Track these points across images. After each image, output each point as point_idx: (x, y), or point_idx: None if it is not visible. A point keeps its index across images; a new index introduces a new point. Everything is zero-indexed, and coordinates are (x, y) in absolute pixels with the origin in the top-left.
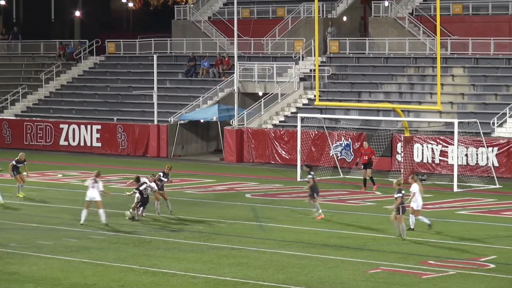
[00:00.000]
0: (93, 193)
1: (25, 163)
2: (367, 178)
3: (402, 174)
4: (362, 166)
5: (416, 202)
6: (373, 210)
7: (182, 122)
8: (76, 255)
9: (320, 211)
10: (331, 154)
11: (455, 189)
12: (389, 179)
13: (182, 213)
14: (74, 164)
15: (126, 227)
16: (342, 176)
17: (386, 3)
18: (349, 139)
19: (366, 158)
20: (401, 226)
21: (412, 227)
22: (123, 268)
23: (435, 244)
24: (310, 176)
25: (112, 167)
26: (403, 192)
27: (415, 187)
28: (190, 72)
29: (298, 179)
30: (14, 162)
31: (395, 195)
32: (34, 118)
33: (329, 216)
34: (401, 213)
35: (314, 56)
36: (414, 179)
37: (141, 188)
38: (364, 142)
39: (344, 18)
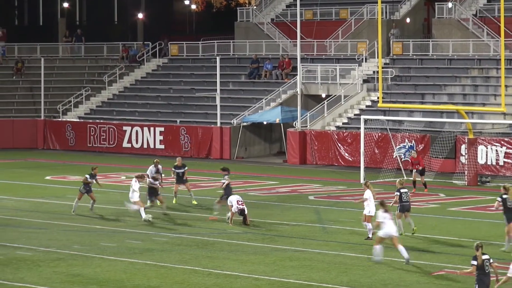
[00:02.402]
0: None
1: (184, 169)
2: (422, 182)
3: (466, 176)
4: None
5: (368, 208)
6: (436, 212)
7: (245, 124)
8: (139, 257)
9: (217, 213)
10: (394, 156)
11: None
12: (453, 181)
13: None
14: (137, 166)
15: (189, 229)
16: (405, 178)
17: (450, 5)
18: (413, 141)
19: (418, 167)
20: (399, 222)
21: (370, 235)
22: (186, 270)
23: (498, 246)
24: (225, 178)
25: None
26: (402, 190)
27: (367, 194)
28: (253, 74)
29: (362, 181)
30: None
31: (395, 193)
32: (97, 121)
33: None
34: (401, 211)
35: (377, 57)
36: (367, 185)
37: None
38: (412, 151)
39: (408, 20)
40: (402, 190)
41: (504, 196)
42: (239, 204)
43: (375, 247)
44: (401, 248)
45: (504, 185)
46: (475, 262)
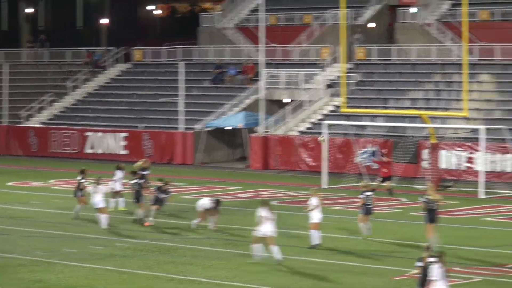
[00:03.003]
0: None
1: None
2: (388, 188)
3: (428, 181)
4: (382, 179)
5: (315, 216)
6: (398, 216)
7: (208, 129)
8: (101, 263)
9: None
10: (356, 161)
11: (481, 195)
12: (415, 186)
13: (208, 220)
14: (100, 172)
15: (151, 235)
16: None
17: (413, 10)
18: (376, 146)
19: (386, 171)
20: (366, 226)
21: (318, 242)
22: (149, 276)
23: (460, 250)
24: (134, 182)
25: None
26: (366, 194)
27: (314, 201)
28: (217, 79)
29: (324, 186)
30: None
31: (360, 196)
32: (60, 126)
33: (354, 224)
34: (364, 214)
35: (341, 62)
36: (313, 192)
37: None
38: (383, 158)
39: (371, 25)
40: (366, 193)
41: (423, 198)
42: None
43: (253, 246)
44: (274, 248)
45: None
46: (420, 264)
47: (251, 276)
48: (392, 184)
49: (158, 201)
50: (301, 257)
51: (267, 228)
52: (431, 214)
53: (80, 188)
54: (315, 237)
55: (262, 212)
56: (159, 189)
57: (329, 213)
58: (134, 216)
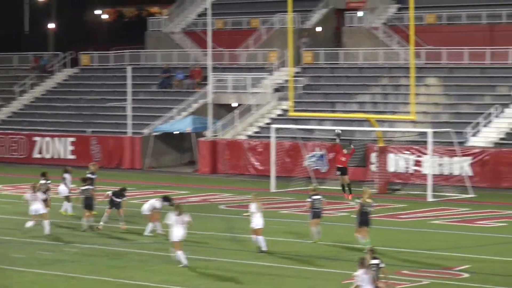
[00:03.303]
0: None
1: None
2: (345, 184)
3: (376, 184)
4: (339, 172)
5: (256, 222)
6: (347, 220)
7: (156, 133)
8: (49, 268)
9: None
10: (305, 165)
11: (429, 198)
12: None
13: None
14: (51, 177)
15: (100, 240)
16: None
17: (360, 13)
18: (323, 150)
19: (344, 160)
20: (314, 230)
21: (264, 249)
22: (98, 281)
23: (409, 254)
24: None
25: None
26: (314, 197)
27: (253, 206)
28: (164, 83)
29: (272, 190)
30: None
31: (307, 200)
32: (7, 131)
33: (304, 227)
34: (312, 218)
35: (288, 66)
36: (254, 197)
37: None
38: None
39: (318, 29)
40: (314, 197)
41: (359, 200)
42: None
43: (176, 252)
44: (179, 253)
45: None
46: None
47: (200, 280)
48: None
49: (113, 205)
50: (250, 261)
51: (177, 233)
52: (364, 217)
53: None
54: (261, 242)
55: (174, 216)
56: (115, 194)
57: (277, 217)
58: (83, 226)
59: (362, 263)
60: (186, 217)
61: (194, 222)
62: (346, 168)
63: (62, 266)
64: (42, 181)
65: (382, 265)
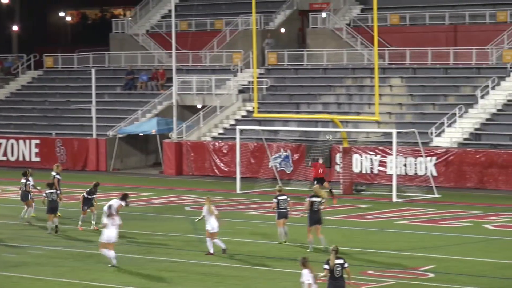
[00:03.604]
0: None
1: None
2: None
3: (341, 185)
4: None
5: (211, 225)
6: None
7: (120, 135)
8: (14, 270)
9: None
10: (270, 166)
11: (394, 199)
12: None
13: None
14: (12, 179)
15: (64, 242)
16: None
17: (324, 15)
18: (288, 151)
19: (321, 171)
20: (280, 230)
21: (211, 251)
22: (63, 283)
23: (374, 254)
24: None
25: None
26: (280, 198)
27: (205, 210)
28: (128, 85)
29: (238, 191)
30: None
31: (273, 200)
32: None
33: (268, 228)
34: (278, 218)
35: (252, 68)
36: (207, 201)
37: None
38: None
39: (282, 30)
40: (280, 197)
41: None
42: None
43: (104, 252)
44: (109, 253)
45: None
46: (327, 266)
47: (165, 282)
48: (303, 189)
49: (86, 204)
50: (215, 263)
51: (110, 233)
52: (315, 215)
53: (27, 190)
54: (219, 244)
55: (106, 218)
56: (88, 192)
57: (243, 218)
58: (47, 229)
59: (304, 263)
60: (118, 220)
61: (158, 224)
62: (321, 178)
63: (27, 268)
64: (23, 181)
65: (346, 265)
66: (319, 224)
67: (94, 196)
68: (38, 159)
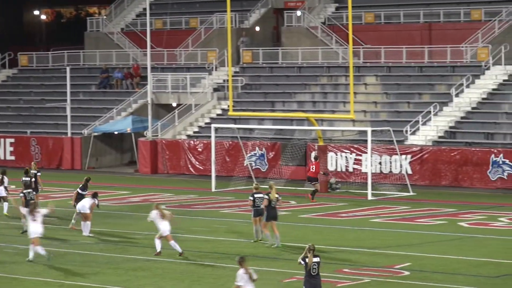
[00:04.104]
0: None
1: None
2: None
3: (316, 183)
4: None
5: (162, 228)
6: (288, 219)
7: (96, 134)
8: None
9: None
10: (245, 164)
11: (369, 197)
12: (305, 189)
13: (97, 225)
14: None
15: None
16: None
17: (299, 13)
18: (264, 149)
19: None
20: (255, 228)
21: (180, 251)
22: (38, 282)
23: (349, 252)
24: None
25: None
26: (256, 195)
27: (153, 215)
28: (103, 83)
29: (213, 189)
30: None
31: (249, 198)
32: None
33: (244, 227)
34: (254, 216)
35: (227, 66)
36: (156, 207)
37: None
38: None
39: (257, 28)
40: (256, 195)
41: (266, 196)
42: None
43: (35, 247)
44: (37, 248)
45: (270, 184)
46: (303, 262)
47: (141, 281)
48: (289, 188)
49: (80, 199)
50: (191, 261)
51: (36, 228)
52: (272, 212)
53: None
54: (174, 246)
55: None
56: (82, 188)
57: (219, 217)
58: (23, 227)
59: (241, 262)
60: (39, 215)
61: (134, 223)
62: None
63: (3, 267)
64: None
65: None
66: (275, 220)
67: (87, 191)
68: (12, 158)
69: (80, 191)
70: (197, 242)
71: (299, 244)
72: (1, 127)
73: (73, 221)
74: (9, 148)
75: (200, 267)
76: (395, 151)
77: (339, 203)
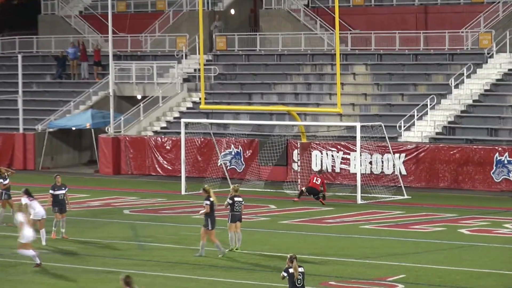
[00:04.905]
0: None
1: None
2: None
3: (299, 185)
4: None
5: (24, 235)
6: (267, 225)
7: (51, 130)
8: None
9: None
10: (219, 164)
11: (359, 201)
12: (285, 191)
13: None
14: None
15: None
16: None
17: None
18: (240, 147)
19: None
20: (231, 235)
21: (37, 261)
22: None
23: (336, 263)
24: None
25: None
26: (236, 199)
27: (19, 217)
28: (59, 73)
29: (183, 192)
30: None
31: (227, 201)
32: None
33: (219, 232)
34: (231, 222)
35: (199, 54)
36: (18, 208)
37: None
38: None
39: (232, 11)
40: (236, 199)
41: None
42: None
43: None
44: (29, 252)
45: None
46: (285, 274)
47: None
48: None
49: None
50: (158, 273)
51: (28, 233)
52: (212, 218)
53: None
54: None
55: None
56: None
57: (190, 223)
58: None
59: (126, 283)
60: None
61: (94, 230)
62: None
63: None
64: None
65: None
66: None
67: (64, 191)
68: None
69: (53, 192)
70: (164, 251)
71: (279, 254)
72: None
73: (54, 228)
74: None
75: (168, 279)
76: (388, 149)
77: (325, 207)
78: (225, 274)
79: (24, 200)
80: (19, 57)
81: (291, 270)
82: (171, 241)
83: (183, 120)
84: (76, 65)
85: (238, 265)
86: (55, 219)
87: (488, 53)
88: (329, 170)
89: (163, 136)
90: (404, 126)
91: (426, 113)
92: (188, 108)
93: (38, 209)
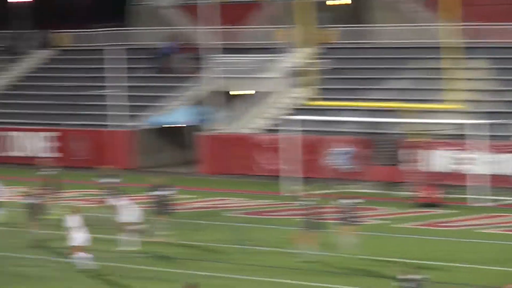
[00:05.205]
0: None
1: None
2: None
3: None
4: None
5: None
6: (380, 229)
7: (148, 127)
8: None
9: None
10: (328, 164)
11: (473, 203)
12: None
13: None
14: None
15: None
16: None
17: None
18: (351, 146)
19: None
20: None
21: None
22: None
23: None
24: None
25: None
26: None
27: (72, 221)
28: (160, 66)
29: (287, 193)
30: None
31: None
32: None
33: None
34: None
35: (304, 48)
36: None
37: None
38: None
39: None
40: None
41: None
42: None
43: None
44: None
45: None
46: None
47: None
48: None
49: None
50: (262, 278)
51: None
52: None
53: None
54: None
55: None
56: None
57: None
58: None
59: None
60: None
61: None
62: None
63: None
64: None
65: None
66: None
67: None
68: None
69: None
70: (271, 255)
71: (399, 259)
72: (34, 119)
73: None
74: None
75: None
76: None
77: (441, 210)
78: (338, 280)
79: (114, 201)
80: (112, 50)
81: None
82: (275, 244)
83: (286, 117)
84: (173, 59)
85: (350, 272)
86: (157, 222)
87: None
88: (448, 171)
89: (265, 134)
90: None
91: None
92: (294, 105)
93: (130, 211)
